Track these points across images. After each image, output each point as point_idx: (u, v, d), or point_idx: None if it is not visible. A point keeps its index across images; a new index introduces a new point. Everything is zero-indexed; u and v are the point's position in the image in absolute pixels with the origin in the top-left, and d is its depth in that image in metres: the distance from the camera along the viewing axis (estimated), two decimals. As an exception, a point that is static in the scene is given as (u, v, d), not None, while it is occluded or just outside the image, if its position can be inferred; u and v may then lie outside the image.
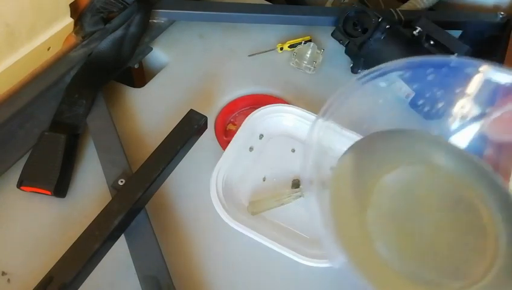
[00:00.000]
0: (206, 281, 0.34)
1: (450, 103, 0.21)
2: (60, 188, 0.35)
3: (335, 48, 0.50)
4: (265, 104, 0.41)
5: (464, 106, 0.21)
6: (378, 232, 0.19)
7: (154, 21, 0.50)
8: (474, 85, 0.19)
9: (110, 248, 0.32)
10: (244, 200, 0.37)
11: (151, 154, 0.35)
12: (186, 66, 0.48)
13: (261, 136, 0.41)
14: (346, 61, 0.49)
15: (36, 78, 0.41)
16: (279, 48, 0.50)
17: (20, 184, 0.35)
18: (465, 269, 0.18)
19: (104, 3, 0.46)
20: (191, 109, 0.38)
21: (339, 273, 0.35)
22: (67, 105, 0.40)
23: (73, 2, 0.43)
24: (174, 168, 0.37)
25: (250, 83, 0.47)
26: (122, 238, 0.33)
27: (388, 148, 0.23)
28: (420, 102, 0.23)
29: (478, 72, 0.18)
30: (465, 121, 0.21)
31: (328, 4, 0.61)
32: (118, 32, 0.45)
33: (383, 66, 0.20)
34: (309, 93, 0.47)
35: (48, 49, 0.42)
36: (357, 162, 0.22)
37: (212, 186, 0.36)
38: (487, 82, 0.18)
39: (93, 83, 0.42)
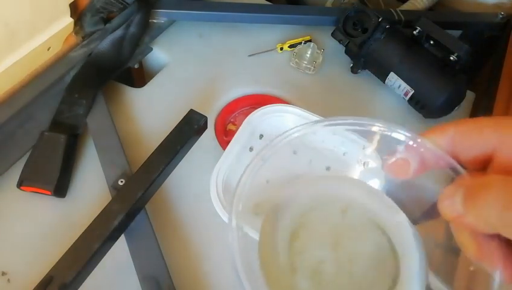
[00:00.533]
0: (206, 281, 0.34)
1: (357, 156, 0.25)
2: (60, 188, 0.35)
3: (335, 48, 0.50)
4: (265, 104, 0.41)
5: (367, 158, 0.24)
6: (300, 266, 0.21)
7: (154, 21, 0.50)
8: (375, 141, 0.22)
9: (110, 248, 0.32)
10: (244, 200, 0.37)
11: (151, 154, 0.35)
12: (186, 66, 0.48)
13: (261, 136, 0.41)
14: (346, 61, 0.49)
15: (36, 78, 0.41)
16: (279, 48, 0.50)
17: (20, 184, 0.35)
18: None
19: (104, 3, 0.46)
20: (191, 109, 0.38)
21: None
22: (67, 105, 0.40)
23: (73, 2, 0.43)
24: (174, 168, 0.37)
25: (250, 83, 0.47)
26: (122, 238, 0.33)
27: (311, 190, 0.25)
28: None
29: (375, 132, 0.22)
30: (373, 169, 0.24)
31: (328, 4, 0.61)
32: (118, 32, 0.45)
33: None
34: (309, 93, 0.47)
35: (48, 49, 0.42)
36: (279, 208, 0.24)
37: (212, 187, 0.36)
38: (385, 138, 0.21)
39: (93, 83, 0.42)
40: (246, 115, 0.40)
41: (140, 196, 0.33)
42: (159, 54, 0.50)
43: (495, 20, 0.52)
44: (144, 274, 0.32)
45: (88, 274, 0.30)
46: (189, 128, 0.37)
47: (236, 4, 0.51)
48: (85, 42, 0.45)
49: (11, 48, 0.38)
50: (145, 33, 0.48)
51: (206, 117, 0.38)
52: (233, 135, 0.39)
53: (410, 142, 0.20)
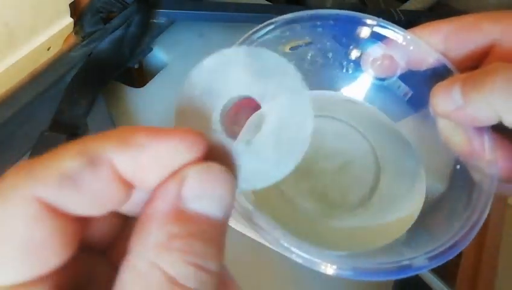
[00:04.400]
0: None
1: (339, 53, 0.23)
2: (60, 188, 0.35)
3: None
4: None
5: (352, 55, 0.23)
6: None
7: (154, 21, 0.50)
8: (361, 35, 0.21)
9: (110, 248, 0.32)
10: (244, 200, 0.37)
11: (151, 154, 0.35)
12: (186, 66, 0.48)
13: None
14: (346, 61, 0.49)
15: (36, 78, 0.41)
16: (280, 49, 0.50)
17: (20, 184, 0.35)
18: (346, 198, 0.20)
19: (104, 3, 0.46)
20: (191, 109, 0.38)
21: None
22: (67, 105, 0.40)
23: (73, 2, 0.43)
24: (174, 169, 0.37)
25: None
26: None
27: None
28: (310, 53, 0.25)
29: (365, 24, 0.20)
30: (355, 69, 0.23)
31: (328, 4, 0.61)
32: (118, 32, 0.45)
33: (270, 22, 0.22)
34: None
35: (48, 49, 0.42)
36: None
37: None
38: (373, 34, 0.21)
39: (93, 83, 0.42)
40: (248, 115, 0.40)
41: (140, 196, 0.33)
42: (159, 53, 0.50)
43: (495, 20, 0.52)
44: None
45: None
46: (189, 128, 0.37)
47: (236, 4, 0.51)
48: (85, 42, 0.45)
49: (10, 47, 0.38)
50: (145, 33, 0.48)
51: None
52: (237, 136, 0.39)
53: (399, 40, 0.20)
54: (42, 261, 0.11)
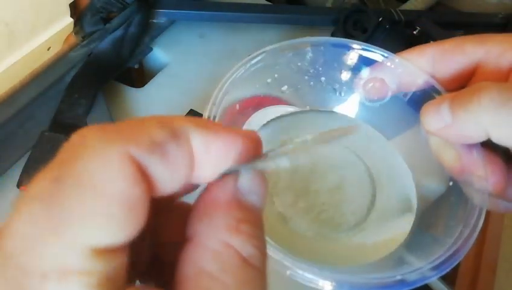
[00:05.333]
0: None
1: (331, 77, 0.25)
2: (60, 188, 0.35)
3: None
4: (267, 105, 0.41)
5: (343, 78, 0.24)
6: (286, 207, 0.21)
7: (154, 21, 0.50)
8: (350, 60, 0.22)
9: (110, 248, 0.32)
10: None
11: (151, 154, 0.35)
12: (186, 66, 0.48)
13: None
14: (346, 61, 0.49)
15: (36, 78, 0.41)
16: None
17: (20, 184, 0.35)
18: (342, 217, 0.21)
19: (104, 3, 0.46)
20: (191, 109, 0.38)
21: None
22: (67, 105, 0.40)
23: (73, 2, 0.43)
24: (174, 169, 0.37)
25: (252, 84, 0.46)
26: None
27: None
28: (306, 77, 0.26)
29: (352, 49, 0.22)
30: (348, 92, 0.24)
31: (328, 4, 0.61)
32: (118, 32, 0.45)
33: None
34: (306, 101, 0.46)
35: (48, 49, 0.42)
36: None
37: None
38: (361, 58, 0.22)
39: (93, 83, 0.42)
40: (248, 116, 0.40)
41: (140, 196, 0.33)
42: (159, 54, 0.50)
43: (495, 21, 0.52)
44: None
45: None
46: (189, 128, 0.37)
47: (236, 4, 0.51)
48: (85, 42, 0.45)
49: (10, 47, 0.38)
50: (145, 33, 0.48)
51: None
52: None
53: (388, 63, 0.20)
54: (133, 225, 0.10)
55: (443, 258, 0.16)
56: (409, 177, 0.22)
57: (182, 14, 0.51)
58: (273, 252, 0.17)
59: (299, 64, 0.25)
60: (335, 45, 0.22)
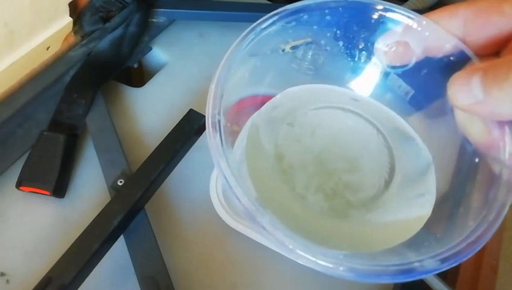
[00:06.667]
0: (206, 282, 0.34)
1: (350, 42, 0.22)
2: (59, 188, 0.35)
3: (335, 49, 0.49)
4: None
5: (363, 42, 0.22)
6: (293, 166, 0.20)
7: (154, 20, 0.50)
8: (372, 22, 0.20)
9: (109, 248, 0.32)
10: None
11: (151, 154, 0.35)
12: (185, 65, 0.48)
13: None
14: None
15: (35, 77, 0.41)
16: (280, 49, 0.50)
17: (19, 184, 0.35)
18: (356, 195, 0.20)
19: (103, 2, 0.46)
20: (191, 109, 0.38)
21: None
22: (66, 105, 0.40)
23: (72, 1, 0.43)
24: (173, 169, 0.37)
25: (252, 84, 0.46)
26: (122, 238, 0.33)
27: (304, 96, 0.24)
28: (322, 42, 0.24)
29: (374, 9, 0.19)
30: (367, 58, 0.22)
31: (328, 3, 0.60)
32: (117, 32, 0.45)
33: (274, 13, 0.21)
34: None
35: (47, 49, 0.42)
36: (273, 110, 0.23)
37: (211, 187, 0.36)
38: (386, 20, 0.19)
39: (92, 83, 0.42)
40: (249, 115, 0.40)
41: (139, 196, 0.33)
42: (158, 53, 0.49)
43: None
44: (143, 274, 0.31)
45: (87, 275, 0.30)
46: (189, 128, 0.37)
47: (236, 3, 0.51)
48: (84, 42, 0.44)
49: (10, 47, 0.38)
50: (144, 32, 0.48)
51: (205, 117, 0.38)
52: (236, 136, 0.39)
53: (414, 25, 0.18)
54: None
55: (464, 244, 0.15)
56: (429, 164, 0.20)
57: (182, 13, 0.50)
58: (274, 230, 0.16)
59: (314, 27, 0.22)
60: (355, 6, 0.20)
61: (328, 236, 0.19)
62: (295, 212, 0.20)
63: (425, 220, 0.18)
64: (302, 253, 0.15)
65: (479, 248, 0.15)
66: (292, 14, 0.21)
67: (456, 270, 0.35)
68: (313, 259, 0.15)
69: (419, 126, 0.21)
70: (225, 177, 0.17)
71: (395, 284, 0.34)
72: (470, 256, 0.15)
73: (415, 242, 0.18)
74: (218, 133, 0.18)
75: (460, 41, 0.18)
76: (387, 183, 0.20)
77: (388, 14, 0.19)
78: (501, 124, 0.16)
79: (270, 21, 0.21)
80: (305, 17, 0.21)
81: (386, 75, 0.22)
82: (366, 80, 0.23)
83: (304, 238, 0.16)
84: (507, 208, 0.16)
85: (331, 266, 0.15)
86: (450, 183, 0.19)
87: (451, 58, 0.18)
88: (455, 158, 0.19)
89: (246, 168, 0.20)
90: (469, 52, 0.18)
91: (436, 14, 0.18)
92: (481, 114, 0.16)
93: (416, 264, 0.15)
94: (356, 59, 0.23)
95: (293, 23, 0.22)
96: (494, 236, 0.36)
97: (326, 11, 0.21)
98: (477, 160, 0.18)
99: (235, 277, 0.34)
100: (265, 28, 0.21)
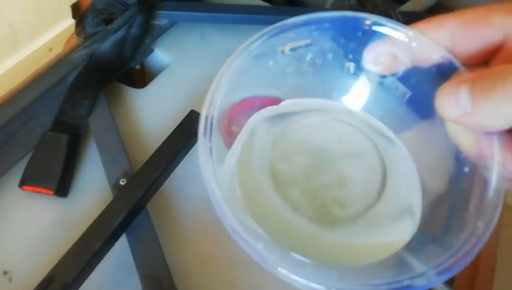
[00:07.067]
0: (208, 281, 0.34)
1: (338, 54, 0.23)
2: (62, 188, 0.36)
3: (334, 50, 0.50)
4: (267, 106, 0.41)
5: (352, 54, 0.22)
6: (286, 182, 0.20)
7: (156, 22, 0.50)
8: (359, 35, 0.20)
9: (111, 247, 0.32)
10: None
11: (152, 154, 0.36)
12: (187, 67, 0.48)
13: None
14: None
15: (38, 78, 0.42)
16: (280, 50, 0.50)
17: (22, 184, 0.35)
18: (345, 210, 0.20)
19: (106, 4, 0.46)
20: (192, 110, 0.39)
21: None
22: (69, 105, 0.40)
23: (75, 3, 0.43)
24: (175, 168, 0.38)
25: (252, 85, 0.47)
26: (124, 237, 0.33)
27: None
28: (310, 55, 0.25)
29: (363, 23, 0.20)
30: (356, 68, 0.22)
31: (327, 5, 0.61)
32: (120, 34, 0.45)
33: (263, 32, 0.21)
34: (310, 95, 0.47)
35: (50, 50, 0.43)
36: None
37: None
38: (372, 33, 0.20)
39: (95, 84, 0.42)
40: (249, 116, 0.40)
41: (141, 196, 0.33)
42: (160, 55, 0.50)
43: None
44: (145, 273, 0.32)
45: (89, 273, 0.31)
46: (190, 128, 0.37)
47: (237, 6, 0.52)
48: (87, 43, 0.45)
49: (13, 48, 0.39)
50: (146, 34, 0.49)
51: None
52: (235, 137, 0.39)
53: (400, 36, 0.19)
54: None
55: (453, 260, 0.15)
56: (415, 177, 0.21)
57: (183, 15, 0.51)
58: (266, 249, 0.16)
59: (302, 44, 0.23)
60: (342, 21, 0.20)
61: (318, 251, 0.19)
62: (287, 229, 0.20)
63: (410, 237, 0.18)
64: (284, 271, 0.16)
65: (468, 263, 0.15)
66: (280, 32, 0.22)
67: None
68: (306, 282, 0.16)
69: (412, 139, 0.22)
70: (217, 202, 0.17)
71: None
72: (458, 271, 0.15)
73: (412, 247, 0.18)
74: (210, 157, 0.19)
75: (448, 51, 0.18)
76: (380, 194, 0.20)
77: (375, 27, 0.20)
78: (490, 134, 0.16)
79: (259, 42, 0.22)
80: (293, 35, 0.22)
81: (380, 81, 0.23)
82: (358, 89, 0.23)
83: (294, 253, 0.17)
84: (496, 219, 0.16)
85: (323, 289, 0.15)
86: (444, 190, 0.19)
87: (440, 68, 0.18)
88: (449, 167, 0.19)
89: (237, 182, 0.21)
90: (457, 63, 0.18)
91: (424, 24, 0.18)
92: (469, 125, 0.16)
93: (406, 282, 0.15)
94: (345, 71, 0.23)
95: (282, 40, 0.22)
96: (491, 236, 0.36)
97: (313, 27, 0.22)
98: (466, 170, 0.18)
99: (235, 276, 0.35)
100: (253, 50, 0.22)
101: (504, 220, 0.37)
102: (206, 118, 0.20)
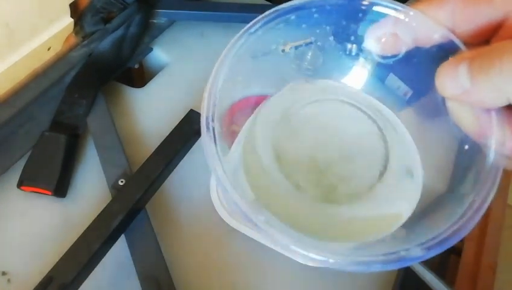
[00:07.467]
0: (207, 281, 0.34)
1: (340, 36, 0.23)
2: (60, 188, 0.36)
3: (335, 49, 0.50)
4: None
5: (353, 35, 0.22)
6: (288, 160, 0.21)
7: (154, 21, 0.50)
8: (360, 16, 0.21)
9: (110, 248, 0.32)
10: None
11: (151, 154, 0.35)
12: (186, 66, 0.48)
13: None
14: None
15: (36, 78, 0.42)
16: (281, 49, 0.50)
17: (20, 184, 0.35)
18: (350, 187, 0.20)
19: (104, 3, 0.46)
20: (191, 109, 0.38)
21: (338, 272, 0.35)
22: (67, 105, 0.40)
23: (74, 2, 0.43)
24: (174, 168, 0.37)
25: (252, 84, 0.47)
26: (123, 238, 0.33)
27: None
28: (312, 39, 0.25)
29: (363, 4, 0.20)
30: (358, 50, 0.23)
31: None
32: (118, 33, 0.45)
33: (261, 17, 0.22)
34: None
35: (48, 49, 0.42)
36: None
37: (212, 187, 0.36)
38: (374, 13, 0.20)
39: (93, 83, 0.42)
40: (248, 115, 0.40)
41: (140, 196, 0.33)
42: (159, 54, 0.50)
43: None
44: (144, 274, 0.32)
45: (88, 274, 0.31)
46: (189, 128, 0.37)
47: (237, 4, 0.51)
48: (85, 42, 0.45)
49: (11, 47, 0.38)
50: (145, 33, 0.48)
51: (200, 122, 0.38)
52: (236, 136, 0.39)
53: (401, 16, 0.19)
54: None
55: (449, 231, 0.16)
56: (416, 155, 0.21)
57: (182, 14, 0.51)
58: (268, 227, 0.16)
59: (303, 26, 0.23)
60: (343, 3, 0.21)
61: (325, 228, 0.19)
62: (291, 207, 0.20)
63: (410, 214, 0.19)
64: (294, 247, 0.16)
65: (464, 235, 0.16)
66: (280, 16, 0.22)
67: (455, 269, 0.35)
68: (306, 253, 0.16)
69: (411, 120, 0.22)
70: (219, 179, 0.17)
71: (394, 284, 0.34)
72: (454, 243, 0.16)
73: (407, 229, 0.18)
74: (212, 137, 0.19)
75: (449, 30, 0.18)
76: (382, 174, 0.21)
77: (376, 8, 0.20)
78: (489, 111, 0.16)
79: (258, 25, 0.22)
80: (293, 17, 0.22)
81: (382, 76, 0.23)
82: (363, 78, 0.24)
83: (303, 232, 0.17)
84: (492, 195, 0.16)
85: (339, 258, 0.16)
86: (442, 173, 0.20)
87: (441, 47, 0.18)
88: (448, 149, 0.20)
89: (242, 168, 0.21)
90: (457, 42, 0.18)
91: (424, 4, 0.18)
92: (469, 103, 0.16)
93: (403, 253, 0.15)
94: (347, 52, 0.23)
95: (281, 24, 0.22)
96: (493, 235, 0.36)
97: (313, 9, 0.21)
98: (466, 147, 0.18)
99: (235, 277, 0.34)
100: (254, 32, 0.23)
101: (506, 220, 0.37)
102: (208, 102, 0.20)
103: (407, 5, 0.19)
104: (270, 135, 0.22)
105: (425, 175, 0.21)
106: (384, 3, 0.19)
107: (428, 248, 0.16)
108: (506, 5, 0.16)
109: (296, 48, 0.51)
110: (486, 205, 0.16)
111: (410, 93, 0.23)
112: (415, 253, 0.15)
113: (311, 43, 0.46)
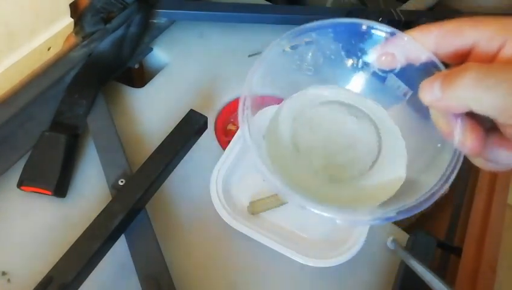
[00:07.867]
0: (207, 281, 0.34)
1: (339, 53, 0.29)
2: (60, 188, 0.36)
3: (335, 49, 0.50)
4: (266, 105, 0.41)
5: (354, 56, 0.28)
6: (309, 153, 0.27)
7: (154, 21, 0.50)
8: (362, 37, 0.26)
9: (110, 248, 0.32)
10: (244, 200, 0.37)
11: (151, 154, 0.35)
12: (186, 66, 0.48)
13: (264, 137, 0.41)
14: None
15: (36, 78, 0.41)
16: (281, 49, 0.50)
17: (20, 184, 0.35)
18: (351, 169, 0.27)
19: (104, 3, 0.46)
20: (191, 109, 0.38)
21: (338, 272, 0.35)
22: (67, 105, 0.40)
23: (73, 2, 0.43)
24: (174, 168, 0.37)
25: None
26: (123, 238, 0.33)
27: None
28: (311, 52, 0.31)
29: (364, 29, 0.26)
30: (358, 67, 0.28)
31: (328, 4, 0.61)
32: (118, 33, 0.45)
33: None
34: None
35: (48, 49, 0.42)
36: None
37: (212, 186, 0.36)
38: (374, 37, 0.26)
39: (93, 83, 0.42)
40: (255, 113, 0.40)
41: (140, 196, 0.33)
42: (159, 54, 0.50)
43: (495, 21, 0.52)
44: (144, 274, 0.32)
45: (88, 274, 0.31)
46: (189, 128, 0.37)
47: (236, 4, 0.51)
48: (85, 42, 0.45)
49: (11, 48, 0.38)
50: (145, 33, 0.48)
51: (206, 117, 0.38)
52: (233, 135, 0.39)
53: (398, 40, 0.24)
54: None
55: (414, 204, 0.22)
56: (402, 145, 0.27)
57: (182, 14, 0.51)
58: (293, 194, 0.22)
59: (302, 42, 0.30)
60: (344, 27, 0.27)
61: (335, 199, 0.26)
62: (308, 183, 0.26)
63: (400, 183, 0.25)
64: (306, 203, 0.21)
65: (423, 209, 0.21)
66: (303, 32, 0.28)
67: (455, 269, 0.35)
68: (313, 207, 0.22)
69: (400, 116, 0.28)
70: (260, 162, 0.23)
71: (394, 284, 0.34)
72: (417, 212, 0.21)
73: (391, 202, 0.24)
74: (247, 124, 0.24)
75: (433, 54, 0.23)
76: (377, 158, 0.27)
77: (375, 32, 0.26)
78: (456, 117, 0.21)
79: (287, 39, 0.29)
80: (313, 35, 0.28)
81: (382, 78, 0.28)
82: (361, 81, 0.29)
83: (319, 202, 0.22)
84: (452, 178, 0.22)
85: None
86: (422, 161, 0.25)
87: (426, 66, 0.24)
88: (425, 145, 0.25)
89: (265, 147, 0.27)
90: (438, 62, 0.23)
91: (415, 31, 0.24)
92: (440, 108, 0.21)
93: (383, 215, 0.22)
94: (355, 65, 0.28)
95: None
96: (493, 235, 0.36)
97: (313, 34, 0.28)
98: (439, 145, 0.24)
99: (235, 276, 0.34)
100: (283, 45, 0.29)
101: (507, 221, 0.37)
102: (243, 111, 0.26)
103: (402, 32, 0.24)
104: (288, 129, 0.28)
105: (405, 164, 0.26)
106: (384, 28, 0.25)
107: (399, 213, 0.22)
108: (472, 36, 0.22)
109: (296, 46, 0.51)
110: (443, 190, 0.22)
111: (410, 93, 0.25)
112: (391, 215, 0.22)
113: (311, 42, 0.47)
